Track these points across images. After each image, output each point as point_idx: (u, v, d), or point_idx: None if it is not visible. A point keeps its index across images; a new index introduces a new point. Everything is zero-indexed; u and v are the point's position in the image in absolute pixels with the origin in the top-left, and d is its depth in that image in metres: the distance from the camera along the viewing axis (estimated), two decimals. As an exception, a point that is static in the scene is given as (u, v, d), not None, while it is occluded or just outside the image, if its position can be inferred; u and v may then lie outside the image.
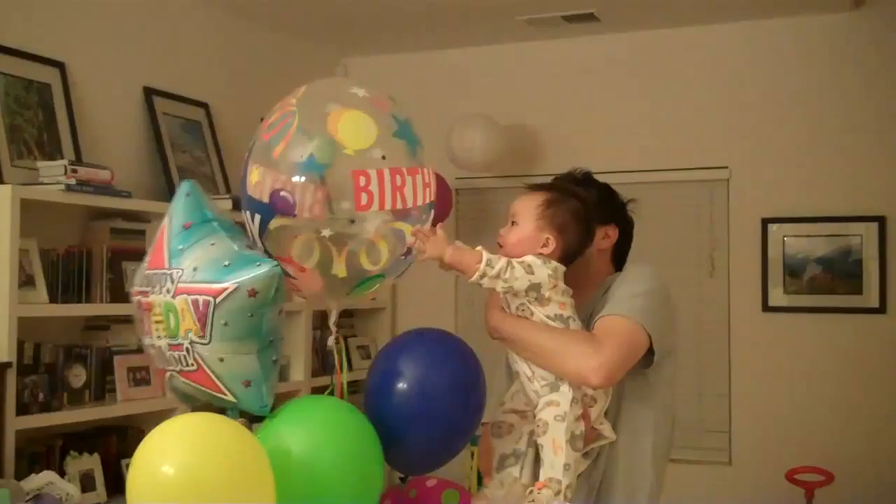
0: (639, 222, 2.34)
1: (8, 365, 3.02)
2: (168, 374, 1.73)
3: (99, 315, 3.58)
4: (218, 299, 1.63)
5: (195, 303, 1.64)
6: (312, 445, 1.69)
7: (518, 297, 1.98)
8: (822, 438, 4.32)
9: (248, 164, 1.84)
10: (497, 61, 5.02)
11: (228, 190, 4.20)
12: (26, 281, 3.19)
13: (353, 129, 1.78)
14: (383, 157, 1.78)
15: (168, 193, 3.93)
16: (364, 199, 1.76)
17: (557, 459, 1.89)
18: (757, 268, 4.52)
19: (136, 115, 4.01)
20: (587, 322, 2.06)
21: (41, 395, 3.18)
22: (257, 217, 1.80)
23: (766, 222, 4.51)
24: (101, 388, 3.50)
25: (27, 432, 3.16)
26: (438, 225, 1.94)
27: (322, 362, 4.52)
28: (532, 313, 1.98)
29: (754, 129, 4.55)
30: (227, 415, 1.73)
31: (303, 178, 1.74)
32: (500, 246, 2.02)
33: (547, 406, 1.93)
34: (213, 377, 1.67)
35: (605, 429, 2.05)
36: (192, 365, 1.68)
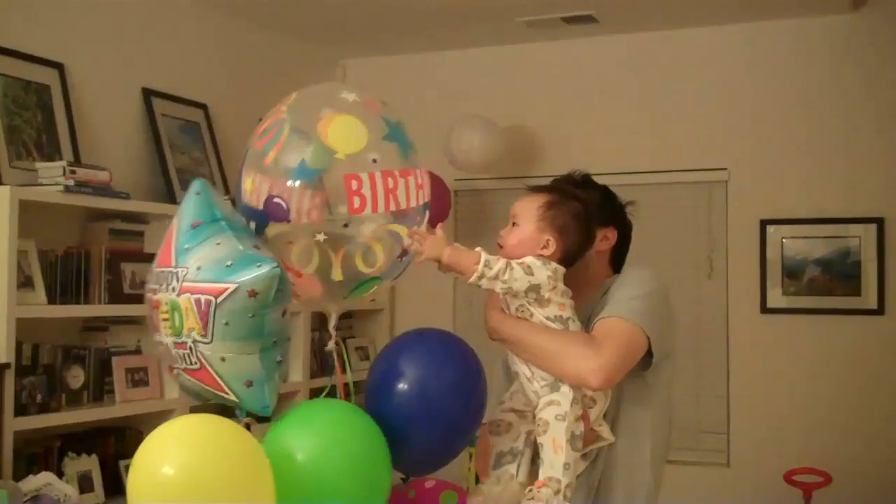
0: (637, 224, 2.34)
1: (6, 366, 3.02)
2: (175, 371, 1.74)
3: (97, 316, 3.58)
4: (219, 299, 1.63)
5: (198, 302, 1.65)
6: (321, 448, 1.70)
7: (517, 299, 1.98)
8: (820, 440, 4.32)
9: (241, 173, 1.87)
10: (496, 63, 5.02)
11: (227, 191, 4.19)
12: (25, 282, 3.19)
13: (344, 134, 1.80)
14: (374, 161, 1.80)
15: (167, 195, 3.94)
16: (357, 202, 1.77)
17: (557, 459, 1.89)
18: (755, 269, 4.52)
19: (135, 117, 4.01)
20: (586, 324, 2.06)
21: (39, 396, 3.18)
22: (252, 224, 1.82)
23: (764, 224, 4.51)
24: (100, 389, 3.50)
25: (25, 433, 3.16)
26: (438, 225, 1.95)
27: (321, 364, 4.52)
28: (532, 314, 1.98)
29: (753, 131, 4.56)
30: (236, 413, 1.74)
31: (297, 184, 1.76)
32: (501, 247, 2.02)
33: (548, 405, 1.94)
34: (215, 376, 1.68)
35: (604, 430, 2.05)
36: (196, 364, 1.69)
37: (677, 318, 2.22)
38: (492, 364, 2.13)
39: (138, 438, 3.51)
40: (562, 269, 1.99)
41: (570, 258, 2.02)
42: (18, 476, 3.01)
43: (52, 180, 3.30)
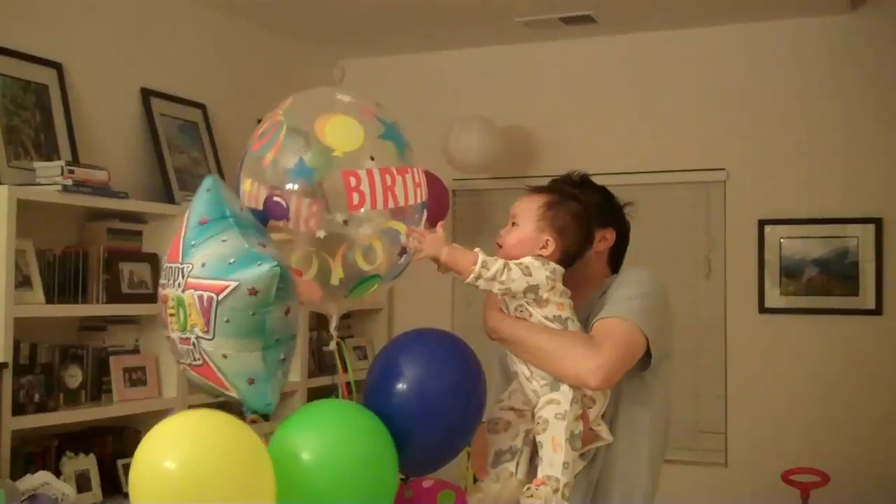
0: (635, 224, 2.35)
1: (4, 365, 3.02)
2: (182, 366, 1.76)
3: (95, 315, 3.57)
4: (220, 296, 1.64)
5: (200, 298, 1.66)
6: (328, 448, 1.70)
7: (516, 299, 1.98)
8: (818, 439, 4.33)
9: (240, 176, 1.89)
10: (494, 63, 5.02)
11: (225, 191, 4.19)
12: (23, 281, 3.19)
13: (342, 133, 1.83)
14: (372, 158, 1.82)
15: (165, 195, 3.94)
16: (356, 199, 1.79)
17: (557, 457, 1.89)
18: (753, 269, 4.53)
19: (134, 116, 4.01)
20: (584, 324, 2.07)
21: (37, 396, 3.18)
22: (254, 219, 1.82)
23: (762, 224, 4.52)
24: (97, 388, 3.50)
25: (23, 432, 3.16)
26: (438, 224, 1.95)
27: (319, 363, 4.52)
28: (530, 314, 1.98)
29: (751, 131, 4.56)
30: (243, 411, 1.74)
31: (296, 186, 1.79)
32: (500, 246, 2.02)
33: (547, 404, 1.94)
34: (217, 373, 1.69)
35: (603, 430, 2.05)
36: (199, 360, 1.70)
37: (675, 318, 2.22)
38: (488, 365, 2.13)
39: (136, 438, 3.52)
40: (560, 270, 1.99)
41: (569, 258, 2.02)
42: (16, 475, 3.01)
43: (50, 180, 3.29)
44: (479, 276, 1.91)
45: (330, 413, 1.81)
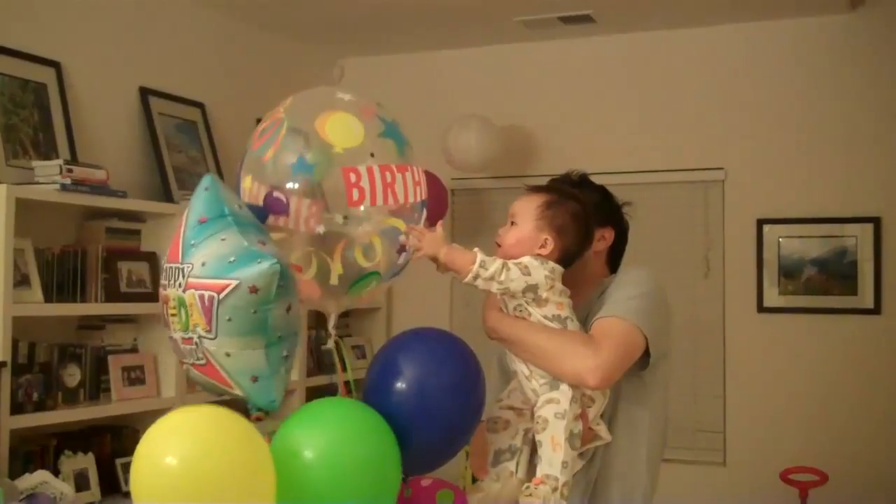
0: (634, 223, 2.35)
1: (3, 364, 3.02)
2: (185, 366, 1.76)
3: (94, 315, 3.57)
4: (221, 295, 1.64)
5: (201, 298, 1.66)
6: (331, 447, 1.70)
7: (515, 298, 1.98)
8: (816, 439, 4.33)
9: (240, 174, 1.89)
10: (493, 62, 5.02)
11: (224, 190, 4.19)
12: (21, 280, 3.18)
13: (342, 129, 1.84)
14: (372, 155, 1.83)
15: (163, 194, 3.94)
16: (356, 195, 1.80)
17: (556, 456, 1.90)
18: (752, 269, 4.53)
19: (132, 116, 4.01)
20: (583, 324, 2.07)
21: (35, 395, 3.18)
22: (253, 217, 1.82)
23: (761, 223, 4.52)
24: (96, 387, 3.50)
25: (21, 432, 3.16)
26: (438, 223, 1.95)
27: (317, 362, 4.53)
28: (530, 314, 1.98)
29: (750, 131, 4.56)
30: (249, 408, 1.74)
31: (296, 184, 1.79)
32: (499, 246, 2.02)
33: (547, 403, 1.94)
34: (220, 371, 1.70)
35: (602, 430, 2.05)
36: (202, 359, 1.70)
37: (673, 318, 2.23)
38: (487, 364, 2.13)
39: (135, 437, 3.52)
40: (560, 269, 1.99)
41: (568, 258, 2.02)
42: (14, 474, 3.01)
43: (48, 179, 3.29)
44: (476, 276, 1.91)
45: (333, 411, 1.81)
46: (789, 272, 4.48)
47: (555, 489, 1.88)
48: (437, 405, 1.83)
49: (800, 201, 4.46)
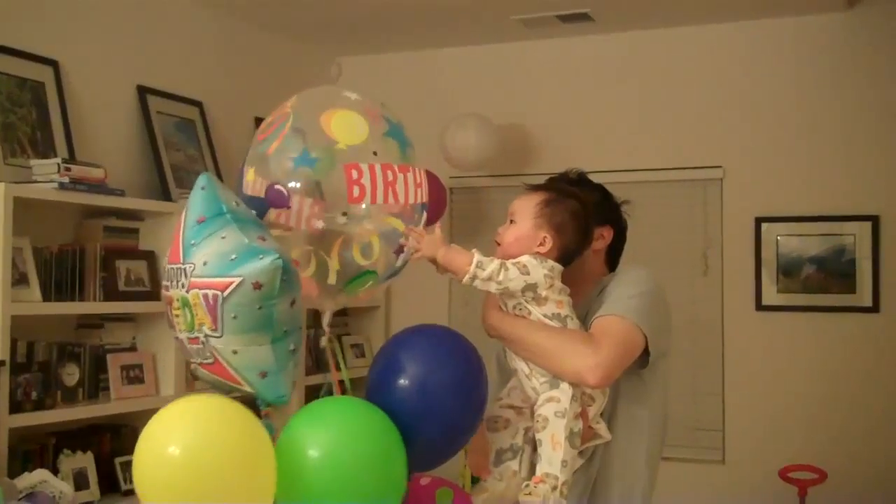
0: (632, 221, 2.35)
1: (1, 363, 3.01)
2: (193, 365, 1.77)
3: (92, 313, 3.57)
4: (225, 293, 1.65)
5: (205, 297, 1.66)
6: (337, 445, 1.70)
7: (515, 297, 1.99)
8: (815, 437, 4.33)
9: (244, 167, 1.90)
10: (492, 61, 5.02)
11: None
12: (19, 279, 3.18)
13: (346, 126, 1.85)
14: (375, 154, 1.83)
15: (162, 192, 3.93)
16: (356, 191, 1.80)
17: (556, 455, 1.90)
18: (750, 267, 4.53)
19: (130, 114, 4.01)
20: (582, 322, 2.07)
21: (34, 394, 3.18)
22: (252, 213, 1.83)
23: (759, 221, 4.52)
24: (95, 386, 3.49)
25: (20, 431, 3.15)
26: (437, 225, 1.96)
27: (315, 360, 4.52)
28: (529, 312, 1.98)
29: (748, 129, 4.56)
30: (258, 404, 1.75)
31: (298, 181, 1.80)
32: (498, 244, 2.03)
33: (547, 402, 1.94)
34: (229, 369, 1.70)
35: (602, 428, 2.05)
36: (210, 358, 1.71)
37: (672, 317, 2.23)
38: (487, 361, 2.13)
39: (134, 435, 3.49)
40: (559, 267, 1.99)
41: (567, 256, 2.02)
42: (13, 473, 3.01)
43: (46, 177, 3.29)
44: (474, 277, 1.91)
45: (339, 409, 1.81)
46: (788, 270, 4.48)
47: (554, 488, 1.88)
48: (439, 403, 1.83)
49: (798, 199, 4.46)
